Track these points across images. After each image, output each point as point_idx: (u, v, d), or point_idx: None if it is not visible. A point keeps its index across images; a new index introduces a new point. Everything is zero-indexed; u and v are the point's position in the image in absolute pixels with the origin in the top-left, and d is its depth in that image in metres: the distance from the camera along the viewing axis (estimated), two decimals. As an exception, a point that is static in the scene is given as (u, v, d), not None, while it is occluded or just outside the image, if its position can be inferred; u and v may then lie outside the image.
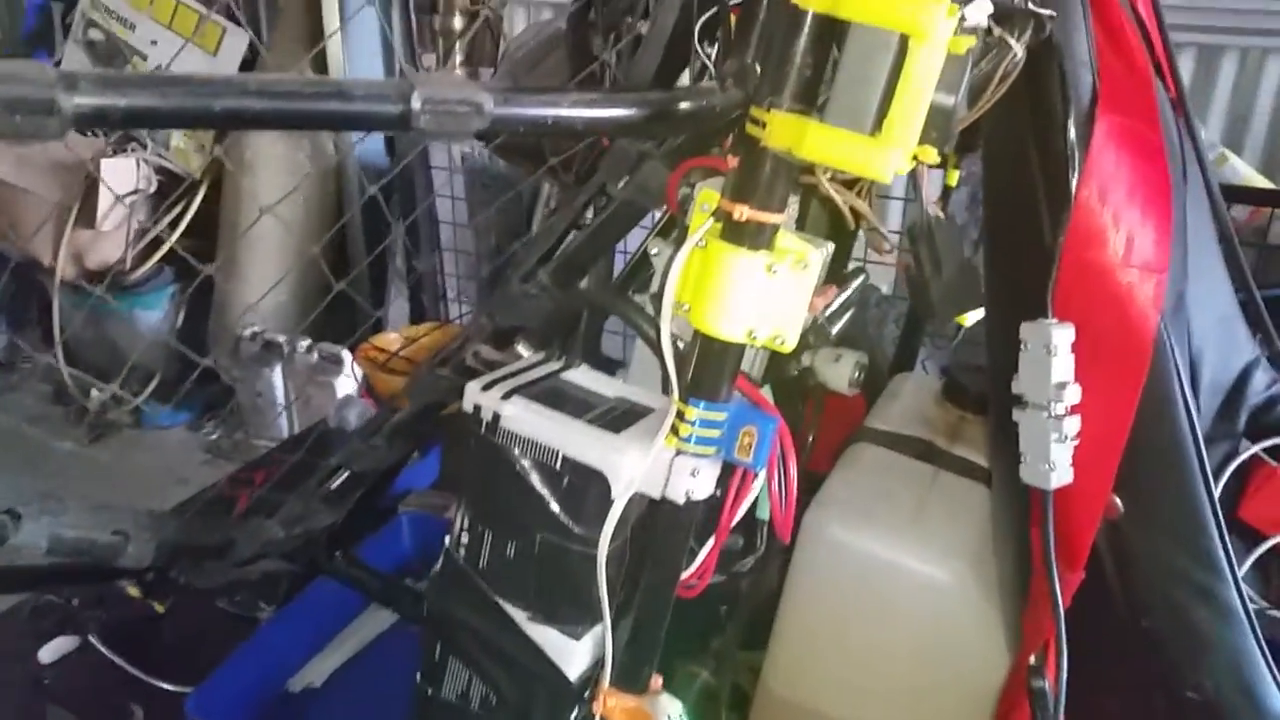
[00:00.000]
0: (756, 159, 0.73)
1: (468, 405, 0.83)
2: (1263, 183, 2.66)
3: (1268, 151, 2.80)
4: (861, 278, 1.15)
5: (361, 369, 2.61)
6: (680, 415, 0.78)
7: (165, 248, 3.34)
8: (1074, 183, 0.79)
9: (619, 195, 0.90)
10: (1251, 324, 1.28)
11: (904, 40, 0.65)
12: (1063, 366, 0.80)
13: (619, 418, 0.83)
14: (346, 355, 2.95)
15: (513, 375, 0.86)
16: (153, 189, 3.33)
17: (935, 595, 1.06)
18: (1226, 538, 0.85)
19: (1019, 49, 0.74)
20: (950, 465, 1.21)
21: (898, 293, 2.38)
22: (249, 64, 3.27)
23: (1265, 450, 1.18)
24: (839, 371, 1.18)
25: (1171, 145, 1.20)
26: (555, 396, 0.85)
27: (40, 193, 3.33)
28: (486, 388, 0.83)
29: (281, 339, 3.21)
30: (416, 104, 0.62)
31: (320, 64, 3.11)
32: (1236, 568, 0.89)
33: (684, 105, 0.76)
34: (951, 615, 1.06)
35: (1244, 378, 1.24)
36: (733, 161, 0.77)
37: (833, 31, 0.68)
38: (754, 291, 0.74)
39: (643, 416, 0.84)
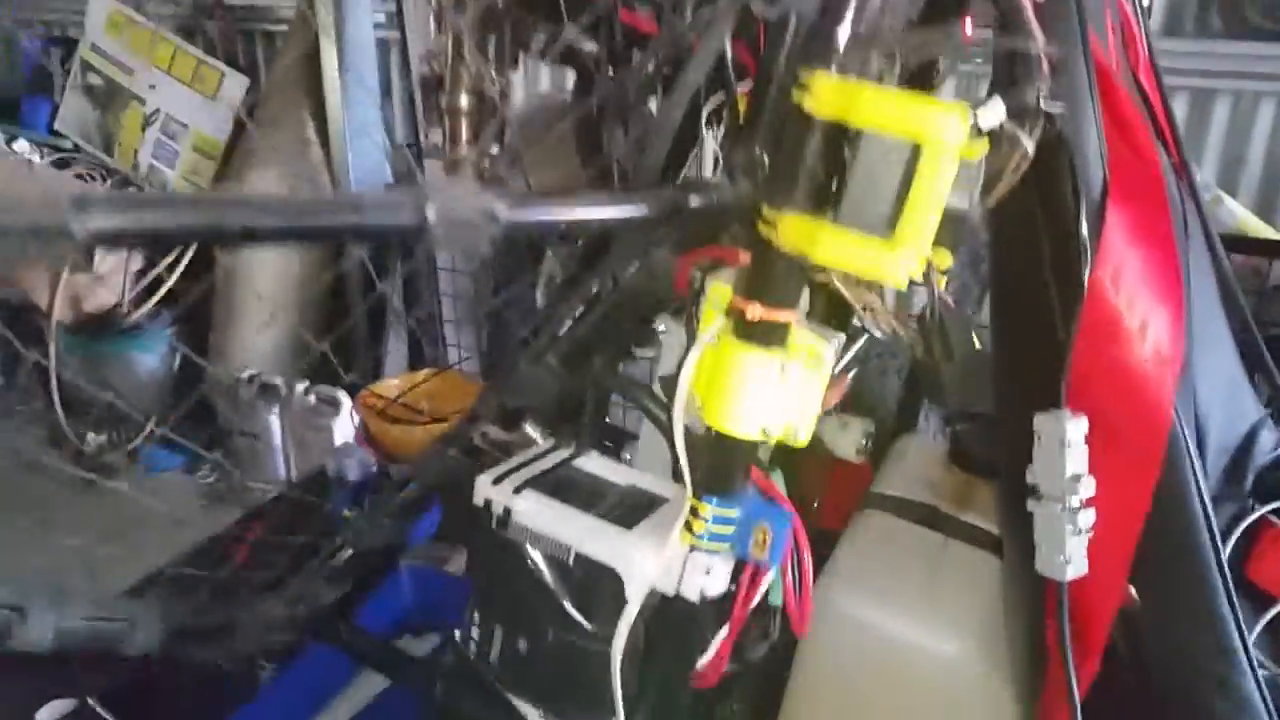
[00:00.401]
0: (768, 258, 0.73)
1: (479, 499, 0.82)
2: (1257, 223, 2.67)
3: (1262, 193, 2.81)
4: (865, 338, 1.15)
5: (360, 416, 2.59)
6: (694, 511, 0.77)
7: (163, 290, 3.33)
8: (1086, 273, 0.79)
9: (628, 281, 0.90)
10: (1253, 372, 1.28)
11: (916, 148, 0.65)
12: (1077, 459, 0.80)
13: (631, 510, 0.83)
14: (344, 398, 2.94)
15: (523, 465, 0.85)
16: (150, 232, 3.32)
17: (946, 671, 1.05)
18: (1244, 627, 0.85)
19: (1030, 146, 0.74)
20: (959, 533, 1.21)
21: (898, 346, 2.38)
22: (246, 108, 3.28)
23: (1273, 512, 1.18)
24: (847, 439, 1.18)
25: (1174, 203, 1.21)
26: (567, 488, 0.84)
27: (38, 236, 3.32)
28: (497, 481, 0.82)
29: (279, 382, 3.20)
30: (431, 216, 0.62)
31: (319, 109, 3.12)
32: (1250, 645, 0.89)
33: (694, 202, 0.77)
34: (962, 692, 1.05)
35: (1250, 438, 1.24)
36: (743, 255, 0.77)
37: (844, 135, 0.68)
38: (767, 390, 0.74)
39: (655, 508, 0.83)
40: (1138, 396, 0.81)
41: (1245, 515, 1.18)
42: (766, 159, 0.79)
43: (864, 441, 1.18)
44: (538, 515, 0.81)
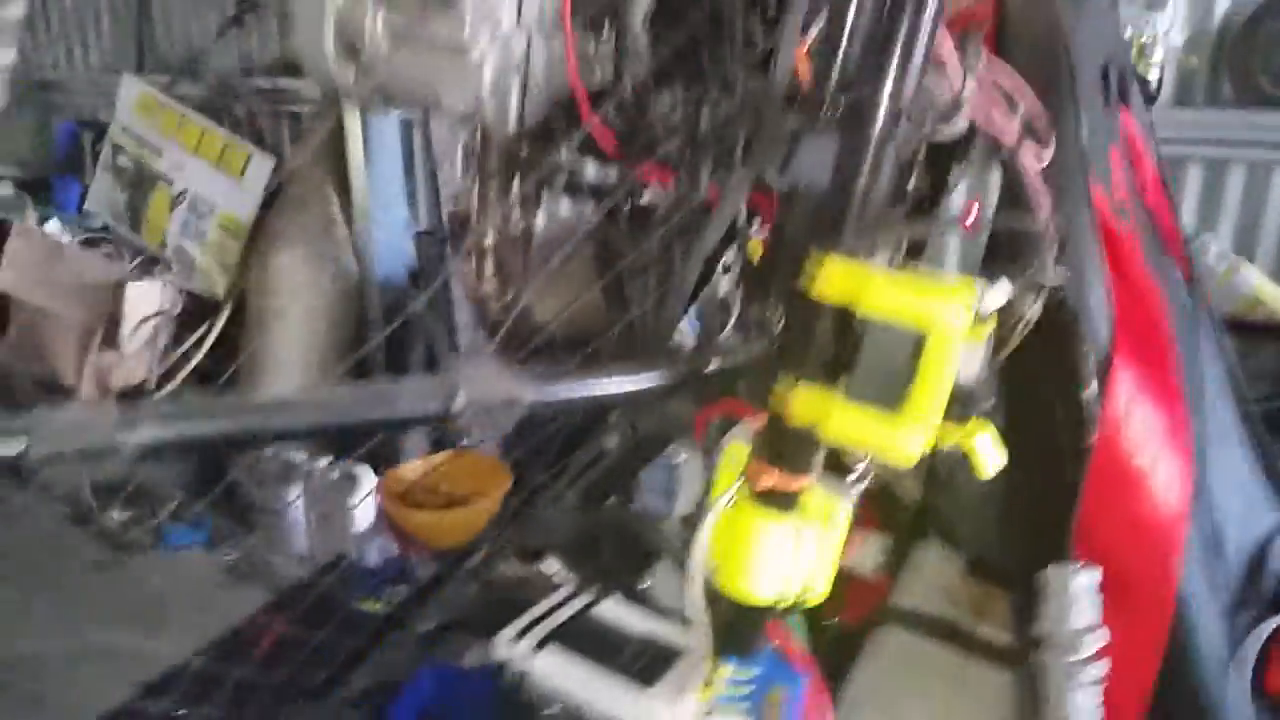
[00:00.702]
0: (783, 428, 0.75)
1: (498, 657, 0.84)
2: (1274, 289, 2.67)
3: (1278, 260, 2.81)
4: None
5: (380, 501, 2.62)
6: (712, 669, 0.78)
7: (189, 368, 3.39)
8: (1094, 430, 0.80)
9: (645, 426, 0.92)
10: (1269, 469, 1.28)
11: (922, 335, 0.67)
12: (1088, 611, 0.81)
13: (650, 664, 0.84)
14: (366, 473, 2.96)
15: (542, 618, 0.87)
16: (177, 310, 3.40)
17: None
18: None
19: (1035, 313, 0.76)
20: (980, 650, 1.21)
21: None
22: (274, 188, 3.35)
23: (1289, 622, 1.18)
24: (864, 557, 1.19)
25: (1184, 313, 1.23)
26: (587, 640, 0.86)
27: (65, 314, 3.40)
28: (518, 636, 0.84)
29: (301, 458, 3.23)
30: (460, 404, 0.65)
31: (344, 189, 3.18)
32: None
33: (711, 366, 0.79)
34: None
35: (1267, 544, 1.24)
36: (758, 417, 0.79)
37: (853, 315, 0.71)
38: (782, 555, 0.75)
39: (674, 662, 0.84)
40: (1147, 547, 0.82)
41: (1264, 620, 1.18)
42: (780, 320, 0.82)
43: (882, 558, 1.19)
44: (557, 673, 0.82)
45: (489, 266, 1.13)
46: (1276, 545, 1.26)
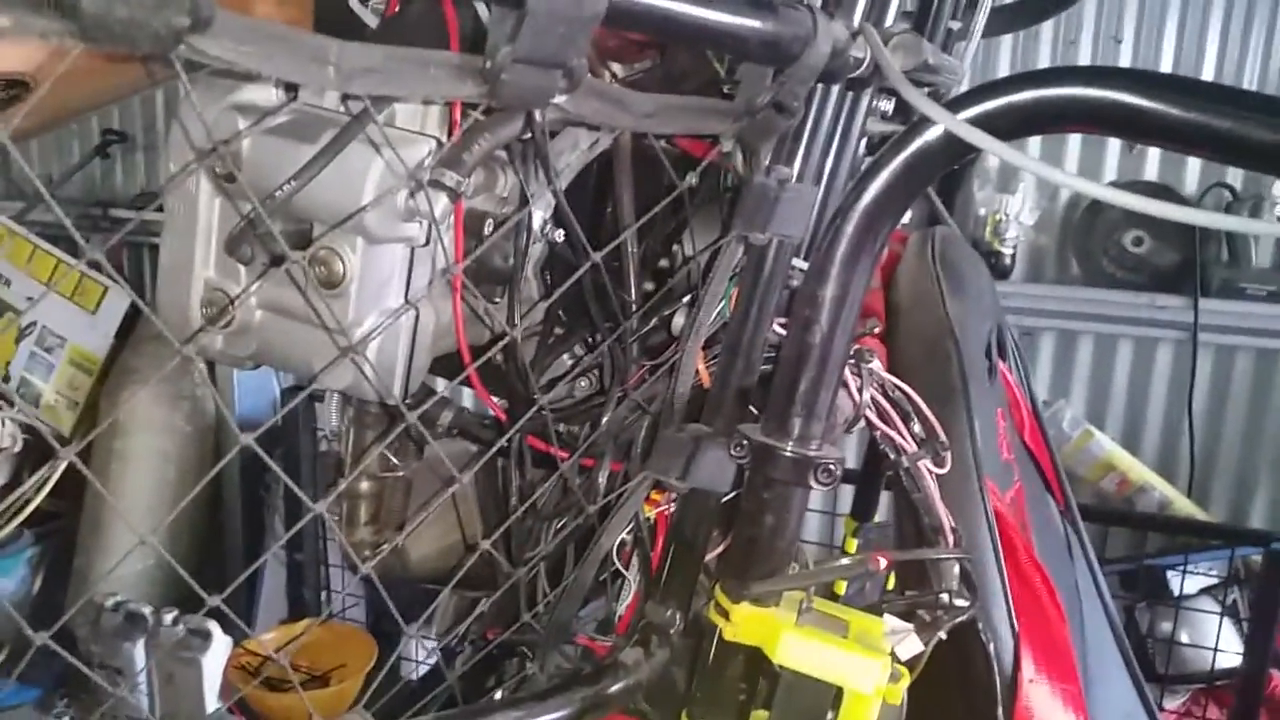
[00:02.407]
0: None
1: None
2: (1124, 455, 2.81)
3: (1127, 425, 2.97)
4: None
5: (229, 679, 2.44)
6: None
7: (29, 510, 3.13)
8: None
9: None
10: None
11: (838, 691, 0.65)
12: None
13: None
14: (215, 628, 2.77)
15: None
16: (18, 448, 3.15)
17: None
18: None
19: (941, 636, 0.75)
20: None
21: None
22: (130, 322, 3.18)
23: None
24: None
25: (1059, 541, 1.26)
26: None
27: (-108, 452, 3.11)
28: None
29: (146, 610, 3.01)
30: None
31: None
32: None
33: (613, 689, 0.75)
34: None
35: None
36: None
37: (766, 659, 0.68)
38: None
39: None
40: None
41: None
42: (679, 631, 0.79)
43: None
44: None
45: (363, 514, 1.07)
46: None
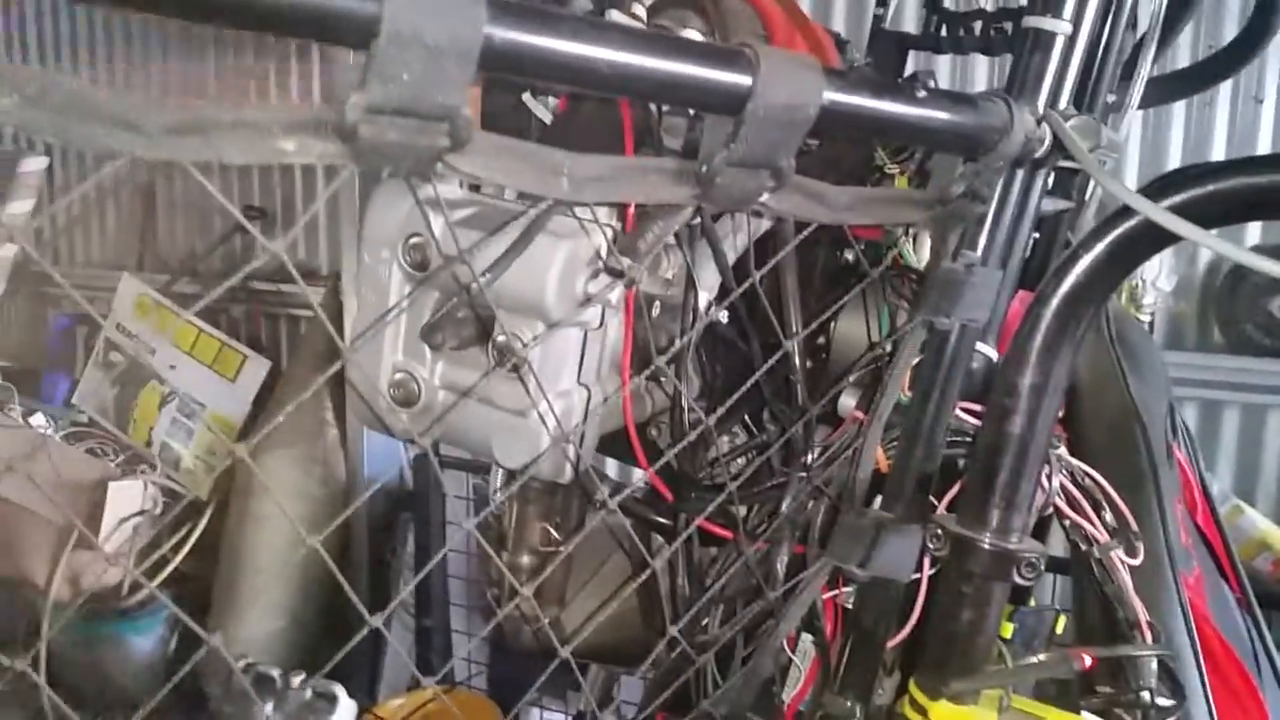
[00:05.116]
0: None
1: None
2: (1277, 531, 2.66)
3: (1278, 501, 2.82)
4: None
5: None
6: None
7: (167, 571, 3.26)
8: None
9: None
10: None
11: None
12: None
13: None
14: (341, 693, 2.81)
15: None
16: (158, 510, 3.29)
17: None
18: None
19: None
20: None
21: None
22: (267, 389, 3.32)
23: None
24: None
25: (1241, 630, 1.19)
26: None
27: (44, 513, 3.28)
28: None
29: (275, 673, 3.08)
30: None
31: (339, 393, 3.15)
32: None
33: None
34: None
35: None
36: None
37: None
38: None
39: None
40: None
41: None
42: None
43: None
44: None
45: (528, 589, 1.08)
46: None
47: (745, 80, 0.53)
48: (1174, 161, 2.84)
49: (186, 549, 3.29)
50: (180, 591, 3.30)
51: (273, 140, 0.44)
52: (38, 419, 3.46)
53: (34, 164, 3.66)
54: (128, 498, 3.27)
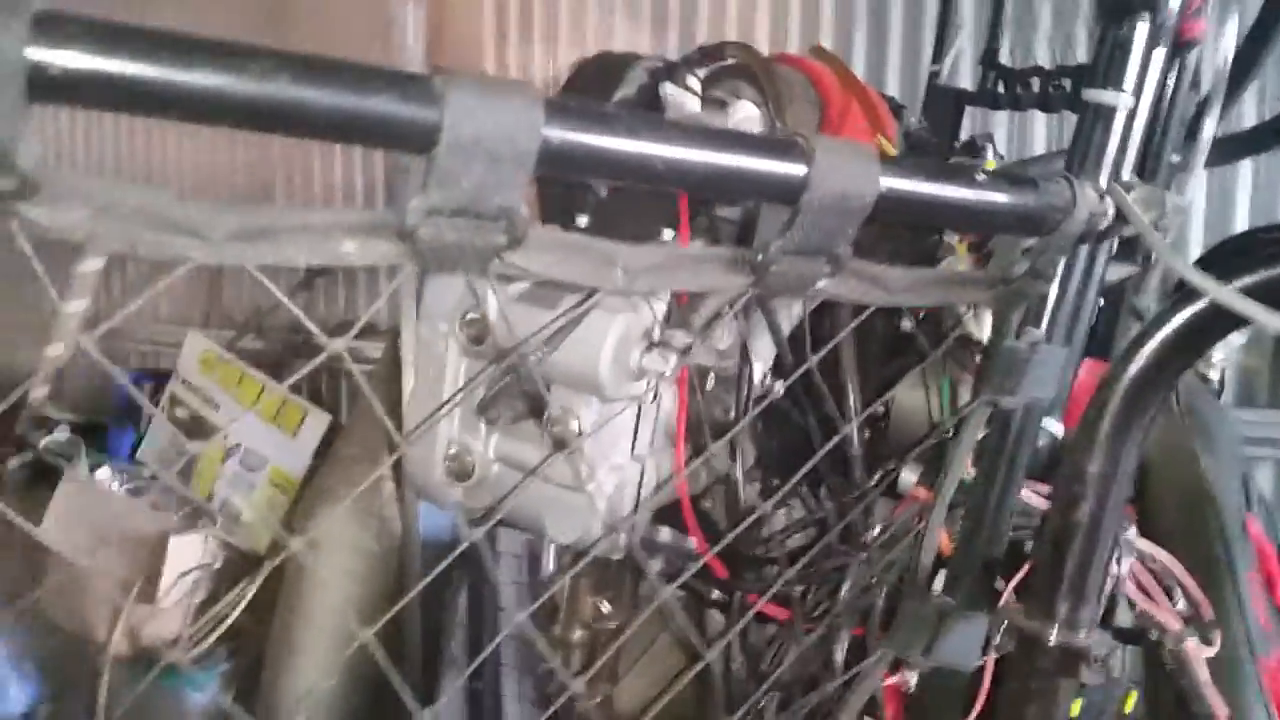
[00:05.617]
0: None
1: None
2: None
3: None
4: None
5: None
6: None
7: (225, 625, 3.29)
8: None
9: None
10: None
11: None
12: None
13: None
14: (395, 753, 2.80)
15: None
16: (218, 565, 3.33)
17: None
18: None
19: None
20: None
21: None
22: (326, 444, 3.35)
23: None
24: None
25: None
26: None
27: (105, 569, 3.34)
28: None
29: (330, 727, 3.08)
30: None
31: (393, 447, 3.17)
32: None
33: None
34: None
35: None
36: None
37: None
38: None
39: None
40: None
41: None
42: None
43: None
44: None
45: (576, 663, 1.07)
46: None
47: (800, 170, 0.53)
48: (1241, 218, 2.77)
49: (244, 603, 3.33)
50: (236, 646, 3.32)
51: (335, 243, 0.44)
52: (103, 473, 3.55)
53: (91, 264, 3.78)
54: (188, 552, 3.32)
